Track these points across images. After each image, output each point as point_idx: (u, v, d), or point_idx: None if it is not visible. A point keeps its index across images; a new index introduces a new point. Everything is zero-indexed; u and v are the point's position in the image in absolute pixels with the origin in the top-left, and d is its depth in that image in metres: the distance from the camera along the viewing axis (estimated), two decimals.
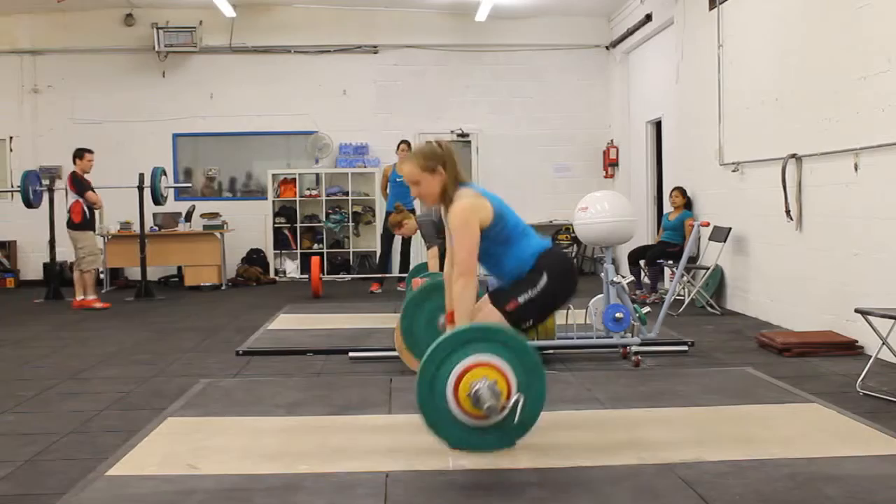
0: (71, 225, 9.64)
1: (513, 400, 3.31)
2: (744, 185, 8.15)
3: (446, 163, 3.78)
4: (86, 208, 9.62)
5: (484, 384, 3.27)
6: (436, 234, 7.39)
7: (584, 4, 12.27)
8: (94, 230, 9.88)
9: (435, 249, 7.33)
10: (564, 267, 3.89)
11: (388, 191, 10.95)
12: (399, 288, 10.77)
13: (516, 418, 3.31)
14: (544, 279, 3.77)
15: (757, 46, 7.81)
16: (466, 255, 3.65)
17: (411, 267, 9.39)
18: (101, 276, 11.82)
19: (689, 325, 7.41)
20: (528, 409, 3.36)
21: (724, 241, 8.29)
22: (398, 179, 10.80)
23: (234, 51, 12.62)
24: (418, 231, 7.73)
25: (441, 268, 7.25)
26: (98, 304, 9.57)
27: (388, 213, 10.87)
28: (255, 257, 12.68)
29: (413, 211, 7.93)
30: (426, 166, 3.78)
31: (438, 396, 3.31)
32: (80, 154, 9.76)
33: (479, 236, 3.69)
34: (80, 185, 9.58)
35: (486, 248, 3.76)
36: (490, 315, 3.75)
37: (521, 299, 3.74)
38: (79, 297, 9.60)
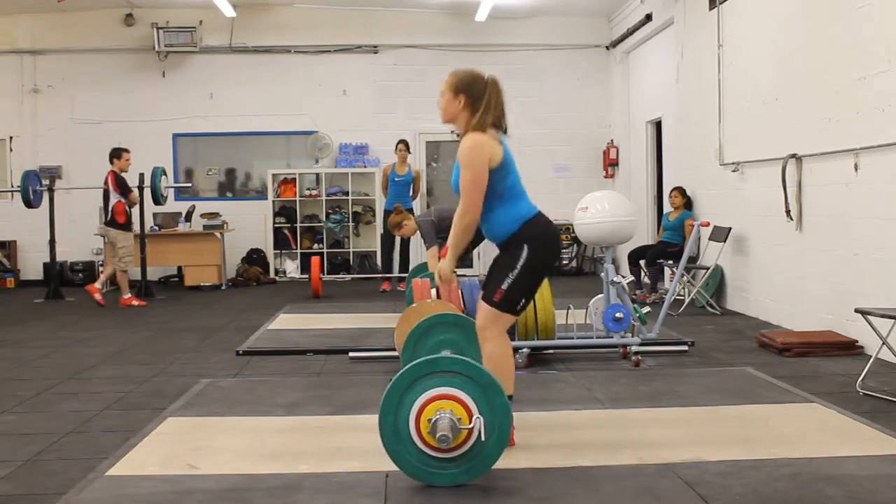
0: (115, 224, 9.72)
1: (474, 422, 3.20)
2: (744, 185, 8.15)
3: (473, 97, 3.69)
4: (128, 208, 9.75)
5: (445, 415, 3.19)
6: (435, 234, 7.44)
7: (584, 4, 12.27)
8: (132, 230, 10.01)
9: (434, 249, 7.37)
10: (545, 235, 3.76)
11: (387, 190, 10.96)
12: (399, 288, 10.77)
13: (483, 436, 3.20)
14: (524, 253, 3.66)
15: (757, 46, 7.81)
16: (472, 189, 3.64)
17: (411, 267, 9.41)
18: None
19: (689, 325, 7.41)
20: (497, 426, 3.24)
21: (724, 241, 8.29)
22: (397, 179, 10.83)
23: (234, 51, 12.62)
24: (418, 231, 7.75)
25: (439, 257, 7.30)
26: (136, 302, 9.77)
27: (386, 212, 10.90)
28: (255, 257, 12.68)
29: (411, 210, 7.96)
30: (455, 85, 3.72)
31: (402, 428, 3.26)
32: (117, 153, 9.83)
33: (486, 174, 3.67)
34: (124, 184, 9.69)
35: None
36: (485, 313, 3.70)
37: (504, 285, 3.65)
38: (125, 296, 9.78)
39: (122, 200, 9.66)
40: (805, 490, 3.16)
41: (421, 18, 12.68)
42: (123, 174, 9.71)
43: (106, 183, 9.69)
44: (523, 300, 3.72)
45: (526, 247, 3.66)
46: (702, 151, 9.01)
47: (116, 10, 12.38)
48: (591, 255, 12.81)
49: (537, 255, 3.68)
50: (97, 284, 9.77)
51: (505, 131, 3.88)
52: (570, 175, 12.89)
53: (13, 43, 12.48)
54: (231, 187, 13.08)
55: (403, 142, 11.03)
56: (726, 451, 3.64)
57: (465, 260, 7.61)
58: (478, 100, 3.70)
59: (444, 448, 3.20)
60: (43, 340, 7.31)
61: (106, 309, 9.47)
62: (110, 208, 9.64)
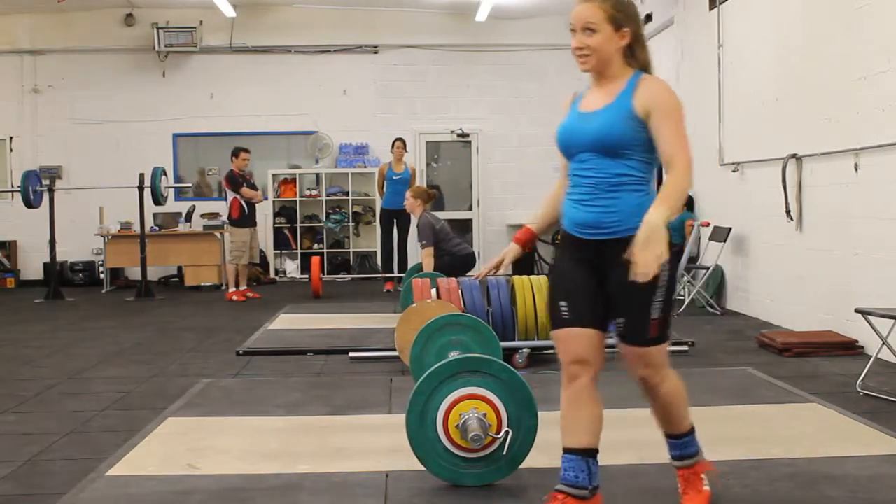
0: (230, 220, 10.14)
1: (502, 433, 3.19)
2: (744, 185, 8.15)
3: (639, 29, 2.78)
4: (243, 204, 9.96)
5: (473, 415, 3.19)
6: (432, 236, 7.53)
7: None
8: (251, 226, 10.17)
9: (430, 249, 7.51)
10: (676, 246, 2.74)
11: (384, 189, 10.97)
12: (398, 288, 10.78)
13: (505, 451, 3.21)
14: (666, 266, 2.61)
15: (757, 46, 7.81)
16: (685, 139, 2.83)
17: (409, 266, 9.44)
18: (102, 275, 11.85)
19: (689, 325, 7.41)
20: (518, 445, 3.25)
21: (725, 241, 8.29)
22: (394, 177, 10.83)
23: (234, 51, 12.62)
24: (417, 228, 7.80)
25: (435, 268, 7.36)
26: (235, 297, 9.98)
27: (383, 211, 10.93)
28: None
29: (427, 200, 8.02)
30: (613, 17, 2.70)
31: (429, 428, 3.25)
32: (235, 153, 10.15)
33: None
34: (234, 182, 9.97)
35: (629, 160, 2.75)
36: (645, 357, 2.85)
37: (655, 313, 2.71)
38: (230, 289, 10.09)
39: (237, 197, 9.94)
40: (805, 490, 3.16)
41: (421, 18, 12.68)
42: (243, 172, 10.10)
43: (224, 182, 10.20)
44: (669, 328, 2.83)
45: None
46: (702, 151, 8.98)
47: (116, 10, 12.38)
48: None
49: (674, 259, 2.69)
50: (230, 289, 10.13)
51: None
52: None
53: (13, 43, 12.48)
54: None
55: (400, 140, 11.04)
56: (726, 451, 3.63)
57: (462, 265, 7.63)
58: (641, 31, 2.79)
59: (476, 448, 3.19)
60: (43, 340, 7.31)
61: (106, 309, 9.48)
62: (227, 206, 10.07)
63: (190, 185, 12.44)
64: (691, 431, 3.04)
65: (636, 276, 2.46)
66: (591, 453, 2.92)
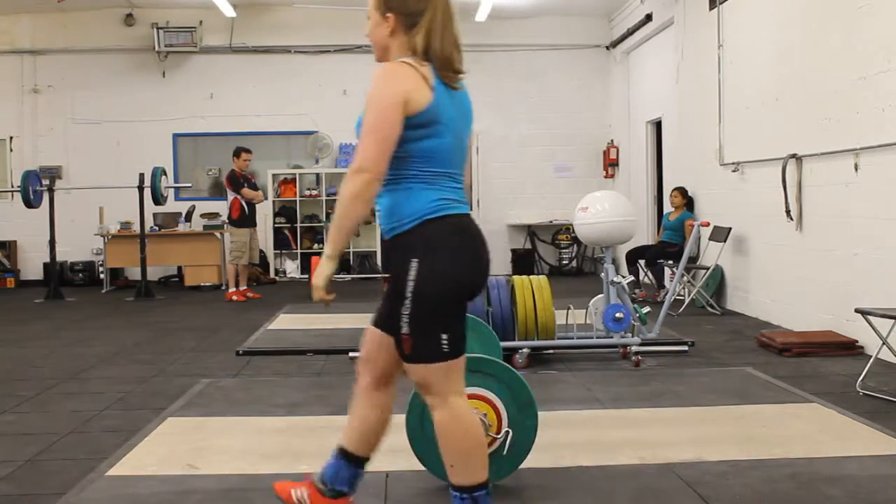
0: (230, 220, 10.17)
1: (502, 433, 3.18)
2: (744, 185, 8.15)
3: (407, 14, 2.51)
4: (244, 204, 10.00)
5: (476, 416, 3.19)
6: None
7: (584, 4, 12.27)
8: (250, 226, 10.18)
9: None
10: (452, 238, 2.51)
11: None
12: None
13: (505, 451, 3.20)
14: (412, 270, 2.47)
15: (757, 46, 7.81)
16: (369, 136, 2.42)
17: None
18: (102, 275, 11.85)
19: (689, 325, 7.41)
20: (518, 445, 3.23)
21: (724, 241, 8.29)
22: None
23: (234, 51, 12.62)
24: None
25: None
26: (235, 297, 9.99)
27: None
28: None
29: None
30: (379, 3, 2.55)
31: (429, 428, 3.26)
32: (237, 153, 10.17)
33: (395, 119, 2.41)
34: (235, 182, 10.00)
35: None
36: (410, 370, 2.60)
37: (404, 328, 2.49)
38: (230, 289, 10.12)
39: (238, 197, 9.98)
40: (805, 490, 3.16)
41: None
42: (244, 172, 10.12)
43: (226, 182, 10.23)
44: (446, 335, 2.50)
45: (416, 261, 2.48)
46: (702, 151, 9.01)
47: (116, 10, 12.38)
48: (591, 255, 12.81)
49: (431, 273, 2.47)
50: (230, 289, 10.13)
51: (455, 71, 2.61)
52: (570, 175, 12.89)
53: (13, 43, 12.48)
54: None
55: None
56: (726, 451, 3.64)
57: None
58: (414, 17, 2.51)
59: None
60: (43, 340, 7.31)
61: (106, 309, 9.47)
62: (228, 206, 10.09)
63: (189, 184, 12.42)
64: (470, 490, 2.52)
65: None
66: (348, 455, 2.78)
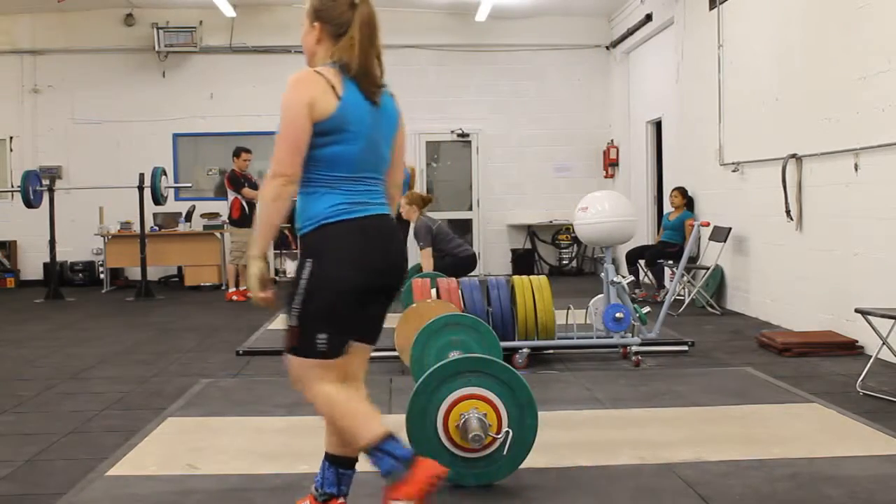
0: (230, 220, 10.22)
1: (502, 433, 3.19)
2: (744, 185, 8.15)
3: (333, 24, 2.68)
4: (244, 204, 10.02)
5: (473, 415, 3.18)
6: (430, 238, 7.61)
7: (584, 4, 12.27)
8: (251, 226, 10.16)
9: (429, 250, 7.61)
10: (341, 243, 2.60)
11: None
12: None
13: (505, 451, 3.21)
14: (306, 270, 2.60)
15: (757, 46, 7.81)
16: (280, 141, 2.57)
17: (409, 267, 9.43)
18: (102, 275, 11.85)
19: (689, 325, 7.41)
20: (518, 445, 3.24)
21: (724, 241, 8.29)
22: None
23: (234, 51, 12.62)
24: (413, 232, 7.84)
25: (436, 269, 7.38)
26: (235, 297, 10.04)
27: None
28: None
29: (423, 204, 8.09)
30: (309, 11, 2.72)
31: (429, 428, 3.24)
32: (237, 153, 10.20)
33: (302, 125, 2.55)
34: (236, 183, 10.04)
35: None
36: (288, 362, 2.68)
37: (293, 320, 2.61)
38: (230, 289, 10.19)
39: (238, 197, 10.01)
40: (805, 490, 3.16)
41: (421, 18, 12.67)
42: (244, 172, 10.16)
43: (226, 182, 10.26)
44: (325, 335, 2.60)
45: (311, 261, 2.61)
46: (702, 151, 9.01)
47: (116, 10, 12.38)
48: (591, 255, 12.81)
49: (321, 276, 2.58)
50: (230, 289, 10.18)
51: (377, 85, 2.69)
52: (570, 175, 12.88)
53: (13, 43, 12.48)
54: None
55: None
56: (726, 451, 3.64)
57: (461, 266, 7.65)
58: (340, 28, 2.67)
59: (476, 448, 3.19)
60: (43, 340, 7.31)
61: (106, 309, 9.47)
62: (228, 206, 10.13)
63: (189, 184, 12.41)
64: (374, 448, 2.64)
65: None
66: (330, 457, 2.85)
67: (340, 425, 2.67)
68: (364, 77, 2.65)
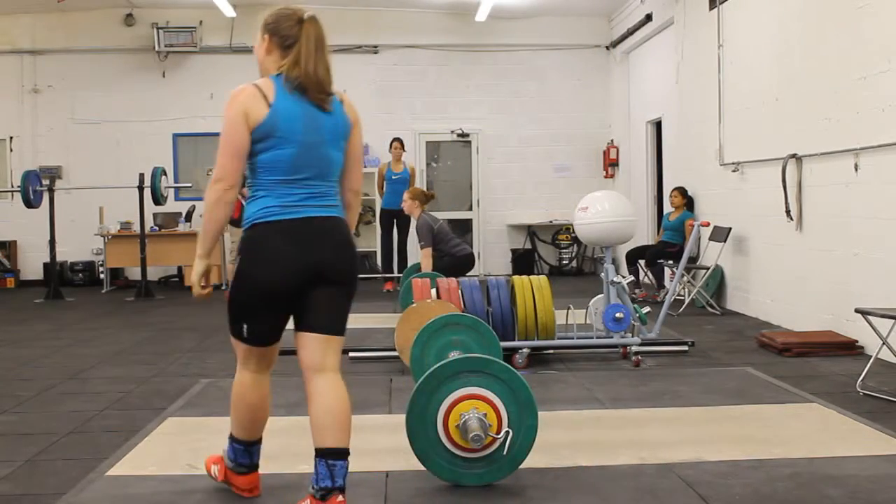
0: (231, 220, 10.03)
1: (502, 433, 3.20)
2: (744, 185, 8.15)
3: (280, 37, 2.88)
4: (245, 204, 9.93)
5: (473, 415, 3.18)
6: (431, 237, 7.63)
7: (584, 4, 12.27)
8: None
9: (429, 250, 7.65)
10: (259, 244, 2.86)
11: (383, 189, 10.98)
12: (398, 287, 10.79)
13: (505, 451, 3.21)
14: (237, 266, 2.95)
15: (757, 46, 7.81)
16: (220, 148, 2.84)
17: (408, 265, 9.47)
18: (102, 275, 11.85)
19: (689, 325, 7.41)
20: (518, 445, 3.25)
21: (724, 241, 8.29)
22: (394, 177, 10.87)
23: (234, 51, 12.61)
24: (415, 229, 7.88)
25: (435, 269, 7.40)
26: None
27: (383, 211, 10.94)
28: None
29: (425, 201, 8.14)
30: (262, 24, 2.93)
31: (429, 428, 3.24)
32: None
33: (239, 133, 2.79)
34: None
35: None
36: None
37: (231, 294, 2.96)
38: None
39: (239, 197, 9.86)
40: (805, 490, 3.16)
41: (421, 18, 12.67)
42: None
43: None
44: (244, 325, 2.95)
45: (239, 258, 2.93)
46: (702, 151, 9.01)
47: (116, 10, 12.38)
48: (592, 255, 12.81)
49: (243, 270, 2.89)
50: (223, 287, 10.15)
51: (325, 93, 2.94)
52: (570, 175, 12.89)
53: (13, 43, 12.47)
54: None
55: (398, 140, 11.06)
56: (726, 451, 3.64)
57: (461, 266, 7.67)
58: (288, 41, 2.87)
59: (476, 448, 3.19)
60: (43, 340, 7.31)
61: (106, 309, 9.47)
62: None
63: (189, 184, 12.41)
64: (234, 439, 3.13)
65: None
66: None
67: (232, 404, 3.08)
68: (310, 85, 2.86)
